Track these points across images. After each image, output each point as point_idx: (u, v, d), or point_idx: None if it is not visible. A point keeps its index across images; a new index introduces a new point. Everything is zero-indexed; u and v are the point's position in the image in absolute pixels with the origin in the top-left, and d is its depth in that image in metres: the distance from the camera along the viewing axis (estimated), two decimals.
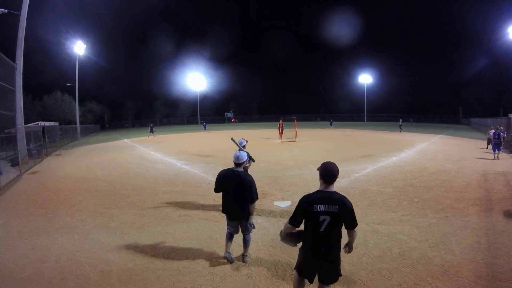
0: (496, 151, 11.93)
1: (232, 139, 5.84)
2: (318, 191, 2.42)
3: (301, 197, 2.45)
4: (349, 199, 2.41)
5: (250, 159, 5.64)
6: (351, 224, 2.40)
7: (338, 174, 2.40)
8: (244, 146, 5.80)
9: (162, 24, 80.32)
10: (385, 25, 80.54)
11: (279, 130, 21.18)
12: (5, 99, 11.65)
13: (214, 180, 3.81)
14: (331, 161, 2.48)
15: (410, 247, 4.10)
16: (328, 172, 2.38)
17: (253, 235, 4.62)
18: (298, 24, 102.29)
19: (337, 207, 2.30)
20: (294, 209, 2.44)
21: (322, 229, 2.32)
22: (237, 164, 3.63)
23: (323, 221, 2.30)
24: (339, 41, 66.99)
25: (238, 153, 3.61)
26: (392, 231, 4.65)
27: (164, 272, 3.59)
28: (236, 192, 3.55)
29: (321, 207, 2.30)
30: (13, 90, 12.81)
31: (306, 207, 2.37)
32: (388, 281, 3.31)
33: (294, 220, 2.42)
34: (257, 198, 3.60)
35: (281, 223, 5.08)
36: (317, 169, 2.47)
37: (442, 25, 72.67)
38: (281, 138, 20.45)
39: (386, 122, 52.75)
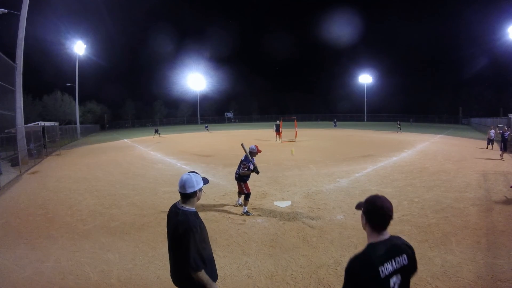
0: None
1: (242, 144, 5.80)
2: (374, 245, 1.54)
3: (351, 261, 1.49)
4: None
5: (254, 170, 5.52)
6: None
7: (393, 213, 1.55)
8: (251, 153, 5.68)
9: (162, 24, 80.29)
10: (385, 25, 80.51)
11: (279, 130, 21.15)
12: (5, 99, 11.67)
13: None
14: (378, 194, 1.61)
15: None
16: (383, 214, 1.53)
17: (253, 235, 4.64)
18: (298, 24, 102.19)
19: (405, 256, 1.53)
20: (344, 282, 1.49)
21: None
22: (182, 196, 2.06)
23: (394, 285, 1.47)
24: (339, 41, 67.07)
25: (185, 177, 2.04)
26: (392, 231, 4.63)
27: (164, 272, 3.59)
28: (170, 245, 2.13)
29: (389, 267, 1.46)
30: (13, 90, 12.82)
31: (368, 276, 1.43)
32: None
33: None
34: (197, 266, 1.89)
35: (281, 223, 5.09)
36: (358, 207, 1.65)
37: (442, 25, 72.66)
38: (281, 138, 20.45)
39: (386, 122, 52.72)
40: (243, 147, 5.68)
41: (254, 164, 5.57)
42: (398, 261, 1.51)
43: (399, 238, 1.63)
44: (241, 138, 23.21)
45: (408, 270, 1.54)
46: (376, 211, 1.55)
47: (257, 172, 5.60)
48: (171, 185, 8.13)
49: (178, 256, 1.99)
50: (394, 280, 1.48)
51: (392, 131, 29.54)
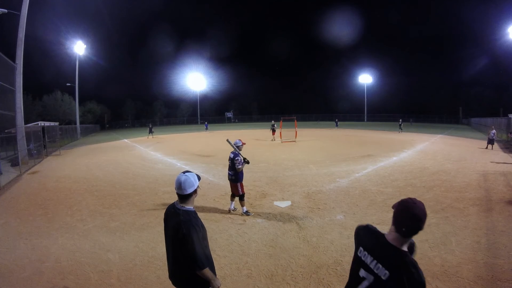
0: None
1: (227, 140, 5.82)
2: (377, 233, 1.55)
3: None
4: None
5: (244, 160, 5.50)
6: None
7: (423, 224, 1.41)
8: (238, 147, 5.66)
9: (162, 24, 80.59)
10: (385, 25, 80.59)
11: (274, 130, 21.23)
12: (5, 99, 11.66)
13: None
14: (413, 197, 1.49)
15: None
16: (410, 219, 1.42)
17: (253, 235, 4.64)
18: (298, 24, 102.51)
19: (387, 273, 1.39)
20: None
21: None
22: (181, 197, 2.07)
23: (363, 279, 1.50)
24: (339, 41, 67.26)
25: (182, 178, 2.04)
26: None
27: (164, 272, 3.59)
28: (171, 245, 2.11)
29: (367, 257, 1.50)
30: (13, 90, 12.82)
31: (355, 239, 1.66)
32: None
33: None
34: (202, 263, 1.95)
35: (281, 223, 5.09)
36: (392, 207, 1.53)
37: (442, 25, 72.76)
38: (281, 138, 20.47)
39: (386, 122, 52.73)
40: (229, 143, 5.67)
41: (242, 156, 5.52)
42: (377, 266, 1.44)
43: (407, 259, 1.40)
44: (242, 138, 23.19)
45: (382, 286, 1.41)
46: (404, 215, 1.44)
47: (248, 162, 5.56)
48: (171, 185, 8.13)
49: (181, 255, 2.01)
50: (365, 275, 1.49)
51: (392, 131, 29.55)
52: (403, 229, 1.42)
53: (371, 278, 1.46)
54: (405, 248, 1.43)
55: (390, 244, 1.44)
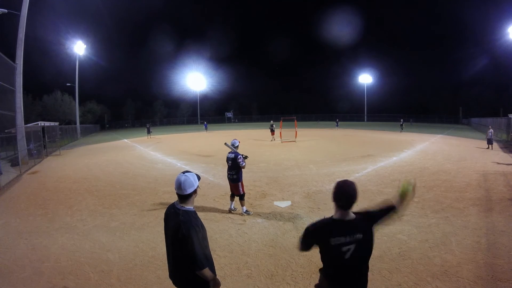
0: None
1: (225, 144, 5.86)
2: (333, 220, 1.89)
3: (310, 225, 1.96)
4: None
5: (243, 157, 5.56)
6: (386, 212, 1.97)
7: (356, 198, 1.84)
8: (237, 147, 5.71)
9: (162, 24, 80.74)
10: (385, 25, 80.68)
11: (273, 130, 21.24)
12: (5, 99, 11.66)
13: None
14: (348, 179, 1.91)
15: (410, 247, 4.11)
16: (344, 196, 1.83)
17: (253, 235, 4.64)
18: (298, 24, 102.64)
19: (361, 235, 1.83)
20: (301, 237, 1.99)
21: (347, 256, 1.84)
22: (181, 197, 2.07)
23: (347, 251, 1.83)
24: (339, 41, 67.24)
25: (182, 178, 2.05)
26: (392, 231, 4.65)
27: (164, 272, 3.59)
28: (171, 245, 2.12)
29: (341, 239, 1.81)
30: (13, 90, 12.82)
31: (318, 239, 1.91)
32: (388, 281, 3.30)
33: (304, 247, 2.02)
34: (202, 264, 1.94)
35: (281, 223, 5.09)
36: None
37: (442, 25, 72.83)
38: (281, 138, 20.48)
39: (386, 122, 52.72)
40: (227, 145, 5.71)
41: (241, 154, 5.57)
42: (352, 237, 1.80)
43: (363, 218, 1.89)
44: (241, 138, 23.20)
45: (364, 242, 1.83)
46: (339, 194, 1.84)
47: (247, 157, 5.65)
48: (171, 185, 8.13)
49: (181, 256, 2.00)
50: (348, 247, 1.82)
51: (392, 131, 29.54)
52: (341, 204, 1.83)
53: (353, 246, 1.81)
54: (352, 214, 1.87)
55: (346, 220, 1.85)
